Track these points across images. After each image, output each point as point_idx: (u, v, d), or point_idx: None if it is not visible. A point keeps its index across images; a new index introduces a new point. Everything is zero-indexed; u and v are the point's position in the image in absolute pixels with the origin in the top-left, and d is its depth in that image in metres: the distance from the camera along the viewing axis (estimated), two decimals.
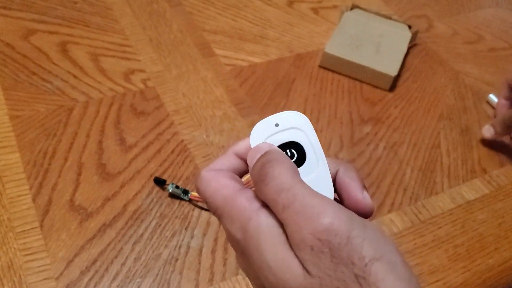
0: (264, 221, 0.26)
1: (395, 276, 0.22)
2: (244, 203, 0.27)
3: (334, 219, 0.23)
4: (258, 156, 0.27)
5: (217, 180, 0.28)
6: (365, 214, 0.28)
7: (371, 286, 0.22)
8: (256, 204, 0.27)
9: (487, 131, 0.61)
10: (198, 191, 0.29)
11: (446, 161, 0.59)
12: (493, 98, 0.66)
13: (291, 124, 0.29)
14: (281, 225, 0.25)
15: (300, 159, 0.29)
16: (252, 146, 0.29)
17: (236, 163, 0.30)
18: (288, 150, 0.29)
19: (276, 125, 0.29)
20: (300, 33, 0.73)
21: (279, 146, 0.29)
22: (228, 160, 0.30)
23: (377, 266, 0.22)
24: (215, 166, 0.30)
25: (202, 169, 0.30)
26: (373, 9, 0.76)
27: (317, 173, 0.29)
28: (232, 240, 0.28)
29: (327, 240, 0.23)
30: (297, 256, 0.24)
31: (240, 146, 0.30)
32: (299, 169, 0.28)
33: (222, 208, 0.28)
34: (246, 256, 0.27)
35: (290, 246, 0.24)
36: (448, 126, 0.64)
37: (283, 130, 0.29)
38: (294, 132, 0.29)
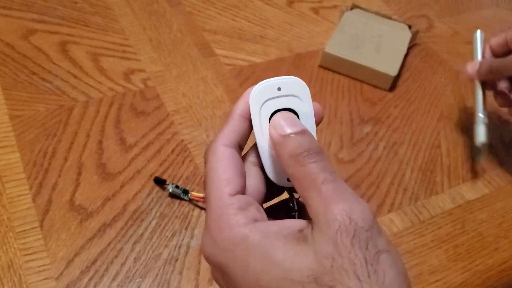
0: (264, 226, 0.26)
1: (396, 270, 0.24)
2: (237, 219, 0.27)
3: (366, 205, 0.25)
4: (297, 129, 0.28)
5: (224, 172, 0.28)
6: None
7: (377, 274, 0.23)
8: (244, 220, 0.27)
9: (471, 68, 0.57)
10: (206, 162, 0.30)
11: (446, 161, 0.59)
12: (478, 36, 0.59)
13: (292, 91, 0.30)
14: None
15: None
16: (252, 107, 0.29)
17: (245, 125, 0.30)
18: None
19: (279, 89, 0.29)
20: (300, 33, 0.73)
21: (277, 111, 0.29)
22: (238, 126, 0.30)
23: (384, 257, 0.24)
24: (227, 133, 0.30)
25: (216, 139, 0.30)
26: (373, 9, 0.76)
27: None
28: (214, 248, 0.27)
29: (355, 221, 0.24)
30: (308, 243, 0.25)
31: (245, 107, 0.30)
32: None
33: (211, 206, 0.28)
34: (234, 269, 0.26)
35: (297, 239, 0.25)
36: (448, 126, 0.64)
37: (283, 96, 0.29)
38: (292, 100, 0.30)
